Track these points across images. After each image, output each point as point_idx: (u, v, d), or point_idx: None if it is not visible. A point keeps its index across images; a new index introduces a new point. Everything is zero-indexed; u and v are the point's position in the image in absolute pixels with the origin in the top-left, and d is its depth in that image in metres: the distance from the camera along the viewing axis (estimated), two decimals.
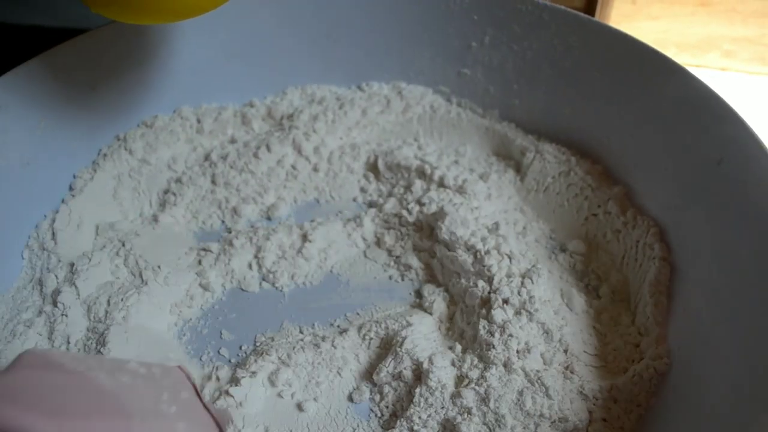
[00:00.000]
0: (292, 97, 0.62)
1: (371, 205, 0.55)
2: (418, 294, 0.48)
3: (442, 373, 0.40)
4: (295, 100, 0.62)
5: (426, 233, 0.51)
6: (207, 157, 0.57)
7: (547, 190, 0.53)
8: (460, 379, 0.41)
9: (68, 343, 0.44)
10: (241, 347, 0.46)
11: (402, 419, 0.40)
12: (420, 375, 0.41)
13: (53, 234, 0.50)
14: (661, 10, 0.72)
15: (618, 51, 0.51)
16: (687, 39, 0.73)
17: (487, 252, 0.46)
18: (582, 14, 0.53)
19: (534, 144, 0.55)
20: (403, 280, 0.50)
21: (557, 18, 0.54)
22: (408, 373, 0.41)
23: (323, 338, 0.45)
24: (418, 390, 0.40)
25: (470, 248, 0.47)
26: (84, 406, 0.33)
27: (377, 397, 0.42)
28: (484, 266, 0.45)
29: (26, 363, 0.33)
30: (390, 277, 0.50)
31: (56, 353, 0.35)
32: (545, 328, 0.42)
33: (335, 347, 0.44)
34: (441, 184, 0.53)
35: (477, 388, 0.39)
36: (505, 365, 0.40)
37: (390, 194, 0.54)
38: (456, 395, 0.39)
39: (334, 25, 0.60)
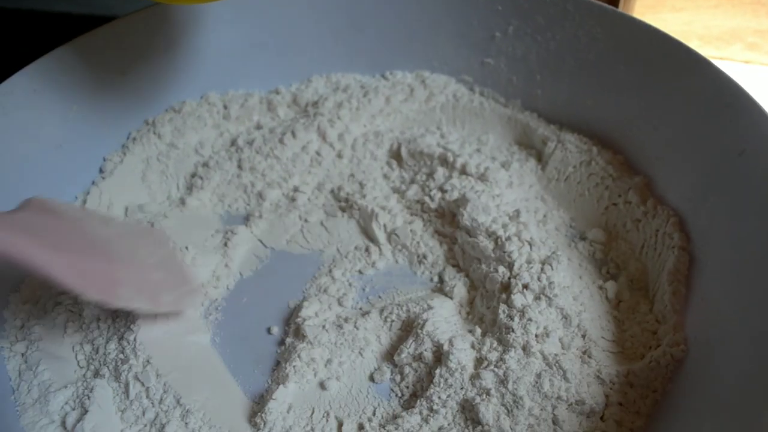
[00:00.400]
0: (317, 84, 0.63)
1: (394, 191, 0.55)
2: (440, 279, 0.49)
3: (462, 355, 0.41)
4: (320, 88, 0.63)
5: (448, 219, 0.52)
6: (233, 142, 0.58)
7: (567, 180, 0.54)
8: (480, 361, 0.42)
9: (98, 320, 0.45)
10: (269, 330, 0.48)
11: (422, 399, 0.41)
12: (440, 357, 0.42)
13: None
14: (685, 2, 0.72)
15: (642, 42, 0.52)
16: (711, 31, 0.73)
17: (508, 238, 0.47)
18: (606, 5, 0.54)
19: (555, 134, 0.56)
20: (424, 264, 0.51)
21: (581, 9, 0.54)
22: (428, 355, 0.42)
23: (346, 320, 0.46)
24: (438, 371, 0.41)
25: (491, 234, 0.47)
26: (78, 245, 0.38)
27: (398, 378, 0.43)
28: (504, 252, 0.46)
29: (32, 205, 0.38)
30: (411, 262, 0.51)
31: (59, 202, 0.41)
32: (564, 313, 0.42)
33: (357, 328, 0.45)
34: (463, 171, 0.53)
35: (496, 369, 0.40)
36: (524, 348, 0.41)
37: (413, 181, 0.55)
38: (475, 376, 0.40)
39: (359, 15, 0.61)
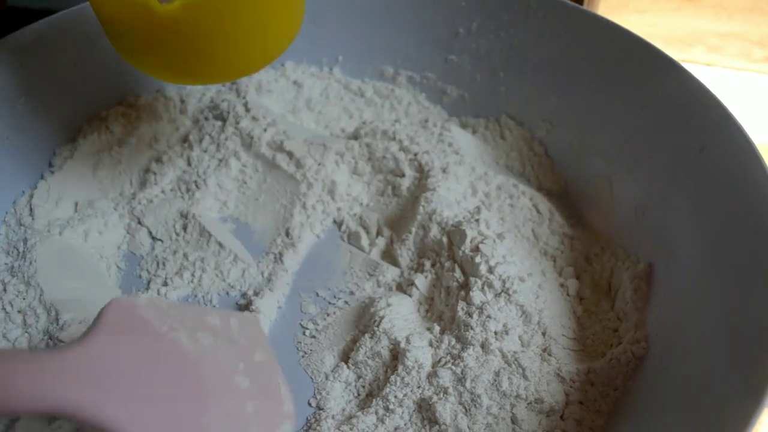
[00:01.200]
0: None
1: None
2: (400, 275, 0.48)
3: (419, 353, 0.40)
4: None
5: (409, 214, 0.50)
6: (185, 138, 0.56)
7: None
8: (437, 360, 0.41)
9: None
10: None
11: (378, 398, 0.39)
12: (397, 355, 0.41)
13: (31, 210, 0.50)
14: (649, 4, 0.72)
15: (605, 40, 0.51)
16: (673, 33, 0.73)
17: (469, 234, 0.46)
18: (570, 3, 0.53)
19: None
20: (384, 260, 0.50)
21: (545, 6, 0.54)
22: (385, 353, 0.41)
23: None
24: (394, 370, 0.40)
25: (452, 229, 0.46)
26: (161, 383, 0.31)
27: (354, 377, 0.42)
28: (464, 248, 0.45)
29: (109, 323, 0.31)
30: (372, 259, 0.50)
31: (143, 304, 0.33)
32: (524, 310, 0.42)
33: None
34: (423, 167, 0.52)
35: (453, 367, 0.39)
36: (482, 346, 0.40)
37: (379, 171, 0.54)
38: (432, 375, 0.39)
39: (317, 8, 0.60)
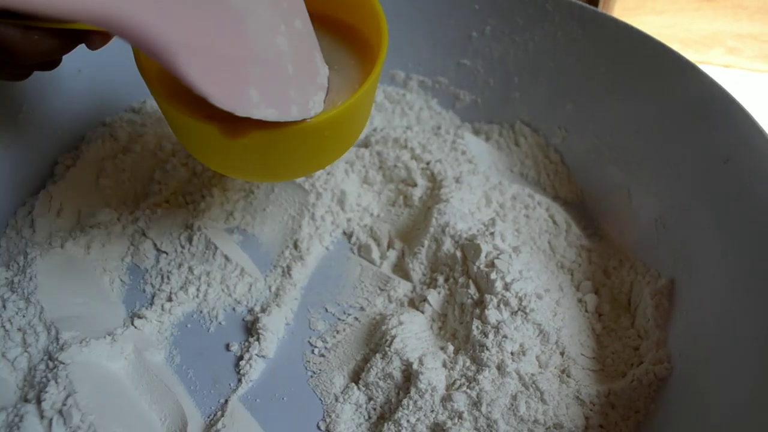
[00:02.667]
0: None
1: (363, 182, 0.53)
2: (412, 290, 0.47)
3: (433, 375, 0.38)
4: None
5: (422, 225, 0.49)
6: None
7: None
8: (451, 382, 0.39)
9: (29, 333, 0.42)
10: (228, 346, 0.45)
11: (390, 422, 0.38)
12: (409, 376, 0.39)
13: (32, 221, 0.48)
14: (666, 5, 0.70)
15: (623, 44, 0.49)
16: (691, 35, 0.71)
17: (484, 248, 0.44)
18: (586, 5, 0.51)
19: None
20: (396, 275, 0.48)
21: (561, 9, 0.52)
22: (397, 374, 0.40)
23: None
24: (407, 392, 0.38)
25: (466, 243, 0.45)
26: (209, 15, 0.30)
27: (365, 398, 0.40)
28: (480, 263, 0.43)
29: None
30: (383, 273, 0.48)
31: None
32: (542, 329, 0.40)
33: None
34: (436, 176, 0.51)
35: (469, 391, 0.38)
36: (498, 368, 0.38)
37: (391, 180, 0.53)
38: (447, 398, 0.38)
39: None
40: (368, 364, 0.41)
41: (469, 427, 0.36)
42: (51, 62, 0.35)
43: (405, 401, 0.38)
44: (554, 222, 0.49)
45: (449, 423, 0.37)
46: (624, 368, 0.41)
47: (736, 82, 0.71)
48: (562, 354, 0.40)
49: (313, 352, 0.44)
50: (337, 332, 0.44)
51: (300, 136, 0.36)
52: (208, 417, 0.40)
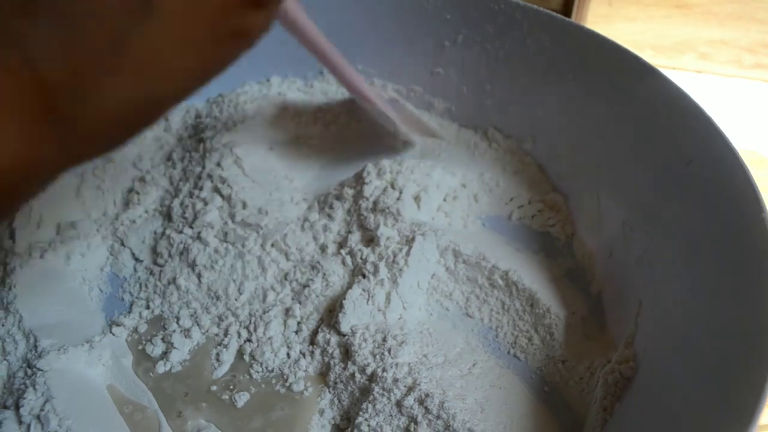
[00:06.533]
0: (251, 91, 0.62)
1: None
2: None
3: None
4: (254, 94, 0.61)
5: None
6: (169, 157, 0.56)
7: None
8: None
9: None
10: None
11: None
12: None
13: (12, 233, 0.49)
14: (638, 12, 0.72)
15: (590, 51, 0.51)
16: (663, 41, 0.73)
17: None
18: (554, 14, 0.53)
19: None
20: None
21: (529, 17, 0.53)
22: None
23: None
24: None
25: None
26: None
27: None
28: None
29: None
30: None
31: None
32: None
33: None
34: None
35: None
36: None
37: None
38: None
39: None
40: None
41: None
42: None
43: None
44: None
45: None
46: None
47: (708, 87, 0.73)
48: None
49: None
50: None
51: None
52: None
